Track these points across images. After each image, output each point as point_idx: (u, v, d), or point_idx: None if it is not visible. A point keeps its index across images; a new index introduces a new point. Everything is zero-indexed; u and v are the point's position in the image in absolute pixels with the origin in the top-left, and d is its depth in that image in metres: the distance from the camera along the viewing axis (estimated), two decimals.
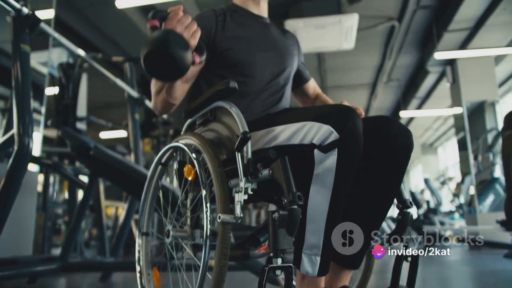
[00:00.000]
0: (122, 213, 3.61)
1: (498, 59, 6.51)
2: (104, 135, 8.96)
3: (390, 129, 1.07)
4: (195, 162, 1.05)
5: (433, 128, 11.34)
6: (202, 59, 1.03)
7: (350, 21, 4.78)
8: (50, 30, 2.19)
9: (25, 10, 1.77)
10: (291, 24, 4.82)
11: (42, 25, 1.93)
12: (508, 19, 5.01)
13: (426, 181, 8.10)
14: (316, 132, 0.93)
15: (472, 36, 5.54)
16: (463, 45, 5.87)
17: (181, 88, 1.19)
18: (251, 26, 1.35)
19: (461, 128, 6.41)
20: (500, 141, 4.16)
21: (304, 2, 4.94)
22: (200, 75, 1.29)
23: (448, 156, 12.53)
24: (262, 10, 1.42)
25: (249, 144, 0.96)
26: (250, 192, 0.95)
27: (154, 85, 1.20)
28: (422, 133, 12.03)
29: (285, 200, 0.85)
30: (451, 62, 6.45)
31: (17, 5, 1.74)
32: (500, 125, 3.67)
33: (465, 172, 6.37)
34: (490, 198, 5.66)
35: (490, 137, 6.08)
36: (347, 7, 4.94)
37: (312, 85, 1.55)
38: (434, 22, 5.66)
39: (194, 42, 0.98)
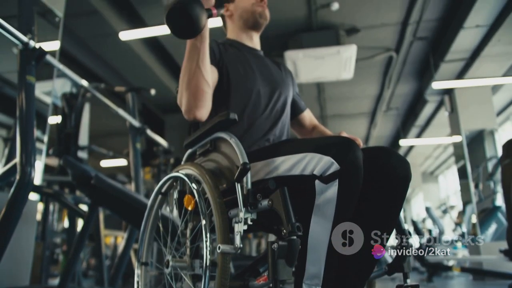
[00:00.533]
0: (121, 243, 3.59)
1: (495, 88, 6.59)
2: (105, 163, 8.97)
3: (388, 159, 1.09)
4: (195, 192, 1.06)
5: (433, 156, 11.35)
6: (220, 11, 1.17)
7: (349, 52, 4.88)
8: (55, 62, 2.24)
9: (32, 43, 1.82)
10: (290, 55, 4.91)
11: (48, 57, 1.98)
12: (502, 50, 5.11)
13: (428, 209, 8.05)
14: (317, 163, 0.95)
15: (469, 66, 5.63)
16: (460, 75, 5.96)
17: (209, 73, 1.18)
18: (247, 57, 1.41)
19: (461, 157, 6.42)
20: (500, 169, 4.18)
21: (303, 34, 5.05)
22: None
23: (449, 185, 12.49)
24: (256, 43, 1.51)
25: (248, 175, 0.98)
26: (249, 222, 0.96)
27: (184, 72, 1.16)
28: (422, 162, 12.03)
29: (285, 231, 0.86)
30: (449, 92, 6.53)
31: (25, 39, 1.79)
32: (500, 153, 3.69)
33: (466, 201, 6.34)
34: (492, 227, 5.60)
35: (490, 165, 6.08)
36: (345, 38, 5.05)
37: (308, 116, 1.59)
38: (430, 52, 5.77)
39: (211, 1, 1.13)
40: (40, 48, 1.85)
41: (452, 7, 4.76)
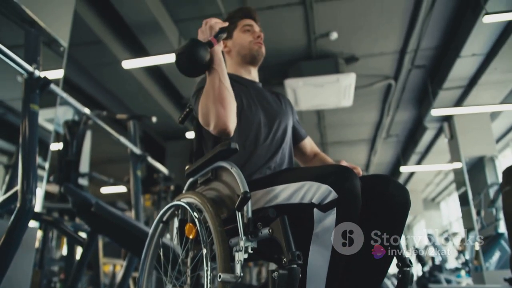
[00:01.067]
0: (120, 271, 3.54)
1: (494, 115, 6.65)
2: (105, 190, 8.95)
3: (387, 187, 1.10)
4: (196, 221, 1.07)
5: (434, 183, 11.32)
6: (222, 37, 1.29)
7: (348, 80, 4.95)
8: (58, 90, 2.27)
9: (37, 73, 1.85)
10: (290, 83, 4.99)
11: (52, 85, 2.01)
12: (499, 78, 5.18)
13: (430, 237, 7.95)
14: (315, 191, 0.96)
15: (467, 94, 5.69)
16: (459, 102, 6.02)
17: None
18: (247, 89, 1.45)
19: (461, 183, 6.40)
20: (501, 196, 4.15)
21: (303, 62, 5.14)
22: (204, 130, 1.35)
23: (451, 211, 12.39)
24: (254, 76, 1.56)
25: (249, 203, 0.98)
26: (250, 251, 0.96)
27: (208, 91, 1.21)
28: (423, 188, 11.98)
29: (285, 259, 0.86)
30: (448, 118, 6.57)
31: (30, 68, 1.82)
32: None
33: (468, 228, 6.28)
34: (496, 255, 5.52)
35: (491, 192, 6.05)
36: (344, 66, 5.14)
37: (309, 143, 1.61)
38: (429, 80, 5.85)
39: (212, 33, 1.26)
40: (44, 77, 1.88)
41: (448, 36, 4.86)
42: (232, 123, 1.19)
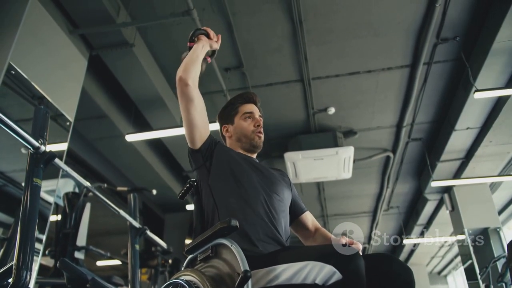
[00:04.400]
0: None
1: (494, 187, 6.65)
2: (101, 262, 8.72)
3: (391, 266, 1.09)
4: None
5: (439, 255, 11.00)
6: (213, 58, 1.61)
7: (347, 153, 5.04)
8: (62, 164, 2.30)
9: (43, 148, 1.90)
10: (290, 156, 5.07)
11: (55, 159, 2.04)
12: (495, 150, 5.26)
13: None
14: (318, 272, 0.95)
15: (465, 166, 5.74)
16: (457, 174, 6.05)
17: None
18: (246, 162, 1.48)
19: (467, 256, 6.23)
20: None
21: (302, 136, 5.26)
22: (206, 198, 1.38)
23: (459, 286, 11.88)
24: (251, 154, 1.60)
25: (249, 283, 0.97)
26: None
27: (189, 56, 1.43)
28: (428, 261, 11.62)
29: None
30: (448, 190, 6.57)
31: (36, 144, 1.86)
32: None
33: None
34: None
35: (499, 265, 5.86)
36: (343, 140, 5.25)
37: (310, 218, 1.61)
38: (426, 152, 5.93)
39: (216, 45, 1.56)
40: (50, 151, 1.92)
41: (442, 110, 5.03)
42: (192, 77, 1.36)
